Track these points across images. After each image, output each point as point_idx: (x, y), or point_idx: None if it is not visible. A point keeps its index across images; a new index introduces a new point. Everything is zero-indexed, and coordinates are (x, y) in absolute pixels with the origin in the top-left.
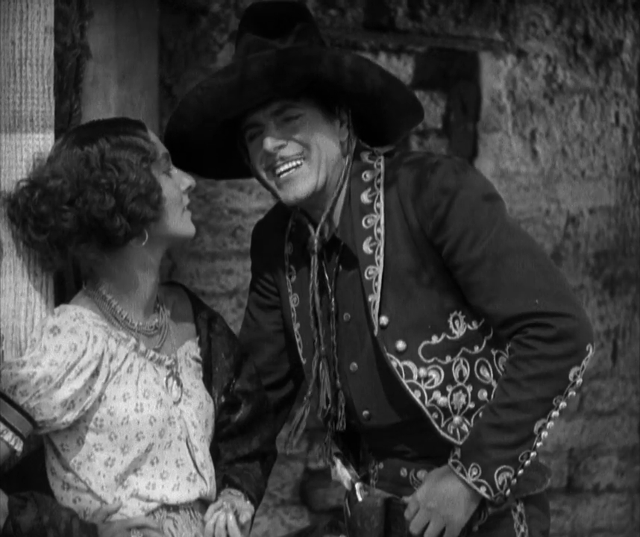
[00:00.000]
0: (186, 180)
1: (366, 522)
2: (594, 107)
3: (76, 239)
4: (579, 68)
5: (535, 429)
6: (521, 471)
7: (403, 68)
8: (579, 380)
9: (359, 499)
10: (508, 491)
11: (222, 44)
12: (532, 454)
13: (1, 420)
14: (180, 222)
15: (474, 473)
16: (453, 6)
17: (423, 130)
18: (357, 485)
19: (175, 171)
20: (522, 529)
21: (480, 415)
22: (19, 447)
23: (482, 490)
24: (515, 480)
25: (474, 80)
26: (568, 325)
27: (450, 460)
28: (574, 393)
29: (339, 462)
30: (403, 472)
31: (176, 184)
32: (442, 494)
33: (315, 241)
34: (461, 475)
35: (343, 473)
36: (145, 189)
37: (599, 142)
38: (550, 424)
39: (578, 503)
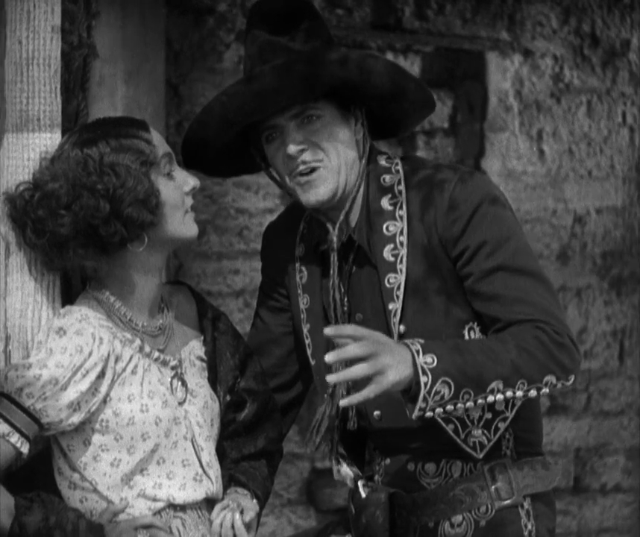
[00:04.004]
0: (190, 181)
1: (371, 518)
2: (601, 106)
3: (73, 244)
4: (586, 68)
5: (491, 385)
6: (450, 407)
7: (410, 68)
8: (544, 390)
9: (363, 495)
10: (430, 412)
11: (229, 44)
12: (469, 404)
13: (7, 422)
14: (180, 225)
15: (428, 360)
16: (460, 5)
17: (430, 130)
18: (360, 482)
19: (178, 173)
20: (529, 526)
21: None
22: (25, 448)
23: (423, 378)
24: (439, 410)
25: (480, 80)
26: (572, 348)
27: (412, 343)
28: (530, 396)
29: (342, 461)
30: (411, 466)
31: (178, 186)
32: (391, 347)
33: (334, 238)
34: (415, 352)
35: (346, 471)
36: (142, 194)
37: (606, 142)
38: (498, 398)
39: (585, 503)
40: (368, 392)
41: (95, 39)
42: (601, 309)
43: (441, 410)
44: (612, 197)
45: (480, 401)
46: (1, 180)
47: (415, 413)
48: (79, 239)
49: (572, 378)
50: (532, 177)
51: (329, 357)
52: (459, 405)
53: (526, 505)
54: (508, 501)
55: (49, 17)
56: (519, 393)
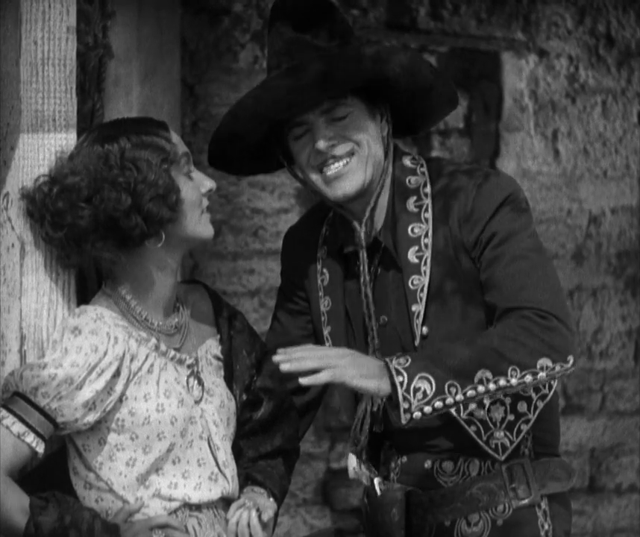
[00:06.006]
0: (207, 183)
1: (387, 516)
2: (616, 106)
3: (92, 238)
4: (601, 68)
5: (477, 375)
6: (438, 403)
7: None
8: (541, 375)
9: (379, 493)
10: (418, 412)
11: (244, 44)
12: (459, 397)
13: (22, 422)
14: (198, 224)
15: (401, 361)
16: (475, 6)
17: (445, 130)
18: (376, 480)
19: (196, 173)
20: (546, 527)
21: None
22: (40, 448)
23: (398, 378)
24: (427, 408)
25: (496, 80)
26: (563, 328)
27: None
28: (527, 382)
29: (357, 460)
30: (428, 464)
31: (196, 186)
32: (356, 356)
33: (362, 235)
34: (387, 360)
35: (362, 470)
36: (163, 189)
37: (621, 142)
38: (491, 387)
39: (600, 503)
40: (324, 376)
41: (110, 39)
42: (616, 309)
43: (430, 409)
44: (628, 197)
45: (470, 393)
46: (16, 179)
47: (402, 417)
48: (99, 232)
49: (571, 359)
50: (548, 177)
51: (279, 361)
52: (448, 400)
53: (543, 505)
54: (525, 501)
55: (64, 17)
56: (514, 380)
